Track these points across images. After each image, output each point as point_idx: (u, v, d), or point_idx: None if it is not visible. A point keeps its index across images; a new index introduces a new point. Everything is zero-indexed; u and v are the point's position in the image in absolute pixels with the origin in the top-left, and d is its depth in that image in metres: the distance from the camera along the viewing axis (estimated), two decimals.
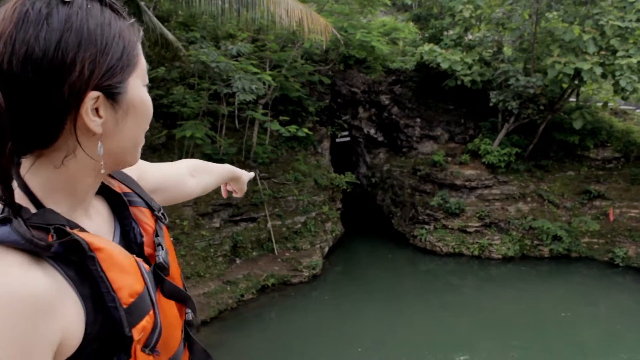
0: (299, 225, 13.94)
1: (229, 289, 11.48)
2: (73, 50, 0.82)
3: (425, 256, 14.93)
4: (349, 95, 17.14)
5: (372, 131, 17.70)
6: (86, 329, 0.83)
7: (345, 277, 13.73)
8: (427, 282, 13.42)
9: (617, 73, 12.95)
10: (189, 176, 1.53)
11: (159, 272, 1.00)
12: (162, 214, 1.13)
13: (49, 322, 0.77)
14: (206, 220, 12.11)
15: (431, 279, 13.71)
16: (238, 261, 12.60)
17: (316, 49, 15.00)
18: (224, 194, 1.84)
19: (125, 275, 0.88)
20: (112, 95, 0.87)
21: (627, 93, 13.22)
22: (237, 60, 11.76)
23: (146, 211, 1.09)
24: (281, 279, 12.50)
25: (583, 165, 15.62)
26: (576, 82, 14.06)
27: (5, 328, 0.72)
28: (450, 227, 15.14)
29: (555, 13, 14.61)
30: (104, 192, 1.05)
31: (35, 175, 0.88)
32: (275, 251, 13.17)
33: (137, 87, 0.91)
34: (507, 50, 15.82)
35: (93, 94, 0.84)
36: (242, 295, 11.58)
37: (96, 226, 0.97)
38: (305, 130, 13.38)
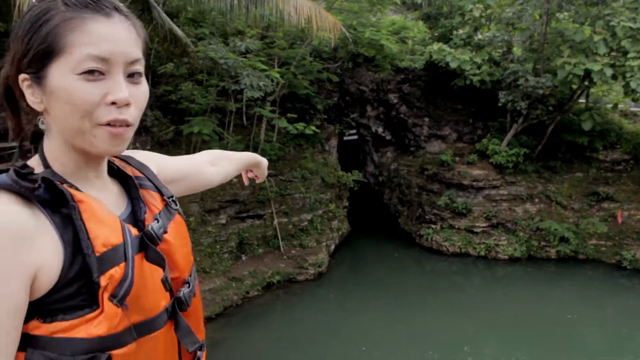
0: (305, 223, 13.93)
1: (234, 285, 11.49)
2: (11, 37, 1.01)
3: (432, 256, 14.90)
4: (358, 94, 17.11)
5: (380, 130, 17.67)
6: (62, 270, 0.92)
7: (351, 276, 13.72)
8: (433, 281, 13.39)
9: (628, 74, 12.85)
10: (209, 164, 1.62)
11: (145, 239, 1.06)
12: (173, 200, 1.22)
13: (25, 252, 0.89)
14: (212, 216, 12.12)
15: (437, 278, 13.68)
16: (244, 258, 12.62)
17: (325, 47, 14.97)
18: (245, 181, 1.92)
19: (103, 227, 0.97)
20: (36, 79, 0.98)
21: (638, 95, 13.12)
22: (245, 57, 11.76)
23: (155, 195, 1.19)
24: (287, 276, 12.51)
25: (592, 167, 15.54)
26: (586, 83, 13.98)
27: None
28: (457, 227, 15.09)
29: (566, 13, 14.53)
30: (121, 176, 1.18)
31: (45, 146, 1.05)
32: (281, 248, 13.18)
33: (61, 74, 0.96)
34: (517, 51, 15.74)
35: (22, 75, 0.99)
36: (248, 292, 11.59)
37: (99, 196, 1.06)
38: (313, 127, 13.37)
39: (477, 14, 15.27)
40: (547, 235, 14.38)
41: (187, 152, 12.06)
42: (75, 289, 0.93)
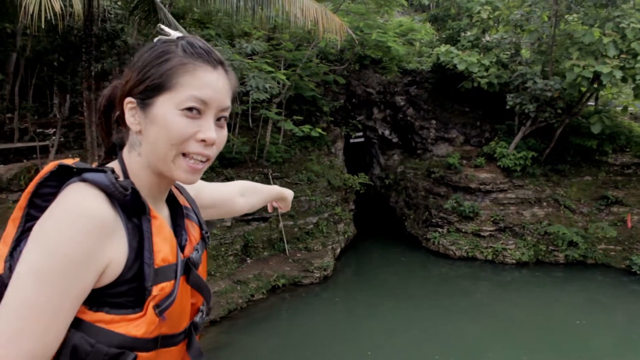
0: (311, 226, 13.86)
1: (239, 288, 11.42)
2: (130, 67, 1.17)
3: (438, 259, 14.79)
4: (364, 96, 17.04)
5: (387, 132, 17.60)
6: (123, 270, 1.05)
7: (357, 279, 13.63)
8: (440, 285, 13.28)
9: (638, 77, 12.75)
10: (239, 195, 1.80)
11: (189, 264, 1.19)
12: (208, 236, 1.36)
13: (106, 244, 1.03)
14: (218, 221, 12.06)
15: (443, 282, 13.56)
16: (249, 261, 12.55)
17: (331, 49, 14.92)
18: (269, 209, 2.11)
19: (165, 244, 1.12)
20: (142, 104, 1.13)
21: None
22: (251, 59, 11.72)
23: (196, 227, 1.33)
24: (292, 280, 12.43)
25: (601, 171, 15.39)
26: (595, 85, 13.85)
27: (74, 235, 0.99)
28: (463, 230, 14.98)
29: (575, 15, 14.41)
30: (171, 202, 1.32)
31: (125, 159, 1.19)
32: (287, 251, 13.10)
33: (165, 106, 1.11)
34: (525, 53, 15.64)
35: (129, 99, 1.15)
36: (252, 295, 11.52)
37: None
38: (319, 130, 13.31)
39: (485, 15, 15.19)
40: (556, 240, 14.24)
41: None
42: (126, 289, 1.06)
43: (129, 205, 1.08)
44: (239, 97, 12.50)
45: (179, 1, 12.38)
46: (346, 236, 14.92)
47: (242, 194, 1.81)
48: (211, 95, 1.13)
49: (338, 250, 14.25)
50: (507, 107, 14.65)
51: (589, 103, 15.64)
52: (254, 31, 13.43)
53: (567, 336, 10.47)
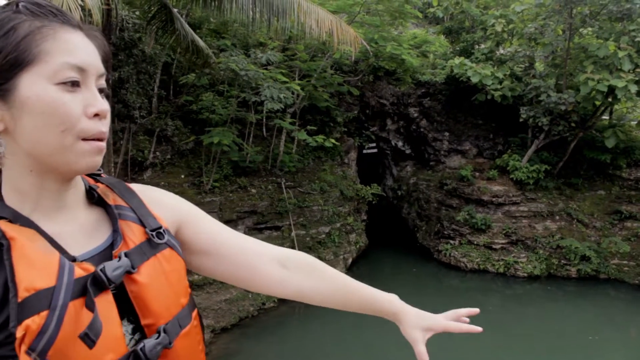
0: (323, 236, 13.89)
1: (250, 296, 11.46)
2: None
3: (450, 271, 14.75)
4: (378, 107, 17.11)
5: (400, 143, 17.64)
6: None
7: None
8: (451, 297, 13.24)
9: None
10: (276, 263, 1.28)
11: (100, 282, 0.93)
12: (160, 232, 1.07)
13: None
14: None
15: (455, 294, 13.52)
16: None
17: (346, 60, 15.01)
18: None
19: (32, 270, 0.84)
20: (0, 92, 0.90)
21: None
22: (266, 69, 11.83)
23: (135, 227, 1.05)
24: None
25: (614, 185, 15.30)
26: (610, 99, 13.80)
27: None
28: (475, 243, 14.94)
29: (589, 29, 14.39)
30: (104, 204, 1.08)
31: (3, 176, 0.96)
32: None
33: (36, 85, 0.89)
34: (539, 66, 15.62)
35: None
36: (264, 304, 11.56)
37: (60, 229, 0.97)
38: (333, 140, 13.38)
39: (499, 28, 15.21)
40: (568, 254, 14.16)
41: (207, 162, 12.15)
42: (2, 338, 0.81)
43: None
44: (254, 106, 12.63)
45: (195, 11, 12.54)
46: (358, 246, 14.93)
47: (283, 264, 1.28)
48: (86, 59, 0.93)
49: (350, 260, 14.26)
50: (521, 120, 14.65)
51: (603, 117, 15.58)
52: (269, 41, 13.56)
53: (579, 352, 10.38)
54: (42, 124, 0.90)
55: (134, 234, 1.04)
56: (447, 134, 16.73)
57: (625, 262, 14.07)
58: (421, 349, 1.38)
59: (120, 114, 11.68)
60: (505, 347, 10.65)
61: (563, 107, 13.76)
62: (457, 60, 15.03)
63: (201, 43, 9.50)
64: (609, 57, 13.12)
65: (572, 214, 14.94)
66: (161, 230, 1.08)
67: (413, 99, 17.08)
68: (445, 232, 15.49)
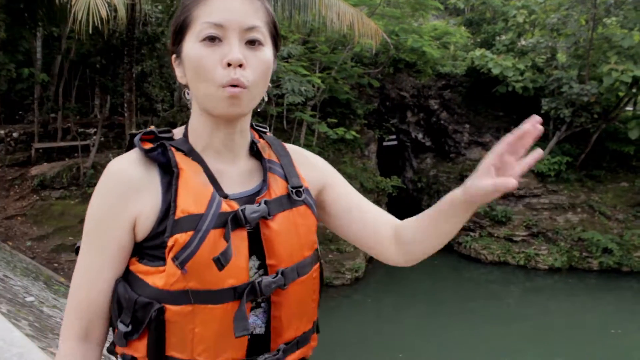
0: None
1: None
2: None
3: (470, 264, 14.75)
4: (398, 99, 17.11)
5: (420, 136, 17.62)
6: (154, 224, 1.08)
7: (388, 282, 13.69)
8: (471, 290, 13.26)
9: None
10: (393, 239, 1.33)
11: (239, 217, 1.10)
12: (300, 191, 1.22)
13: (128, 201, 1.07)
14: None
15: (475, 287, 13.54)
16: None
17: (366, 52, 15.03)
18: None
19: (189, 195, 1.07)
20: (178, 54, 1.14)
21: None
22: (287, 62, 11.91)
23: (280, 181, 1.21)
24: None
25: (638, 177, 15.13)
26: (634, 90, 13.70)
27: (99, 195, 1.10)
28: (496, 235, 14.91)
29: (614, 18, 14.23)
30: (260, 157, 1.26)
31: (191, 117, 1.19)
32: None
33: (189, 45, 1.10)
34: (561, 57, 15.49)
35: (173, 56, 1.15)
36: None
37: (223, 168, 1.17)
38: (353, 132, 13.44)
39: (520, 19, 15.11)
40: (590, 246, 14.06)
41: None
42: (160, 241, 1.06)
43: (163, 161, 1.10)
44: (275, 99, 12.73)
45: None
46: None
47: (398, 239, 1.31)
48: (226, 17, 1.07)
49: None
50: (542, 111, 14.53)
51: (627, 108, 15.43)
52: (290, 35, 13.64)
53: (601, 345, 10.36)
54: (193, 75, 1.09)
55: (277, 187, 1.20)
56: (467, 126, 16.69)
57: None
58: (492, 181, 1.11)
59: (143, 107, 11.87)
60: (525, 339, 10.67)
61: (585, 99, 13.65)
62: (478, 52, 14.98)
63: None
64: (634, 48, 13.00)
65: (594, 206, 14.83)
66: (301, 189, 1.23)
67: (433, 91, 17.05)
68: (466, 224, 15.34)
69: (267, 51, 1.12)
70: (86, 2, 6.08)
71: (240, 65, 1.06)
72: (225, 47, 1.07)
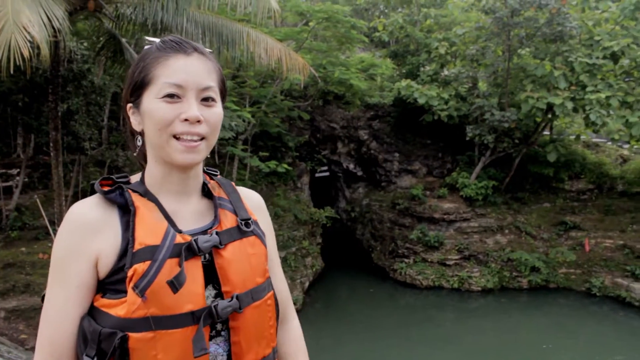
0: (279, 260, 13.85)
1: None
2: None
3: (406, 290, 14.94)
4: (328, 131, 17.32)
5: (351, 166, 17.85)
6: (116, 260, 1.17)
7: (326, 312, 13.67)
8: (408, 315, 13.41)
9: (587, 107, 13.32)
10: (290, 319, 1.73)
11: (192, 247, 1.21)
12: (248, 223, 1.35)
13: (89, 240, 1.17)
14: None
15: (411, 312, 13.71)
16: None
17: (295, 85, 15.20)
18: None
19: (146, 230, 1.18)
20: (136, 105, 1.26)
21: (598, 126, 13.58)
22: None
23: (230, 215, 1.34)
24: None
25: (558, 197, 15.91)
26: (549, 116, 14.43)
27: (61, 237, 1.18)
28: (429, 260, 15.20)
29: (527, 49, 15.04)
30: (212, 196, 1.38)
31: (147, 162, 1.31)
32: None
33: (149, 100, 1.22)
34: (482, 86, 16.16)
35: (128, 105, 1.28)
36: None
37: (176, 208, 1.29)
38: (285, 166, 13.48)
39: (442, 51, 15.70)
40: (519, 266, 14.58)
41: None
42: (121, 276, 1.15)
43: (121, 202, 1.22)
44: None
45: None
46: (314, 270, 14.98)
47: (285, 331, 1.69)
48: (184, 78, 1.21)
49: (307, 284, 14.28)
50: (467, 138, 15.09)
51: (545, 132, 16.23)
52: None
53: None
54: (151, 125, 1.22)
55: (227, 220, 1.33)
56: (397, 154, 17.07)
57: (572, 270, 14.60)
58: None
59: (70, 146, 11.50)
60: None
61: (506, 125, 14.28)
62: (403, 83, 15.41)
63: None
64: (546, 76, 13.74)
65: (521, 227, 15.42)
66: (249, 221, 1.36)
67: (362, 122, 17.39)
68: (400, 251, 15.70)
69: (218, 107, 1.27)
70: (7, 40, 5.88)
71: (198, 121, 1.21)
72: (185, 104, 1.21)
